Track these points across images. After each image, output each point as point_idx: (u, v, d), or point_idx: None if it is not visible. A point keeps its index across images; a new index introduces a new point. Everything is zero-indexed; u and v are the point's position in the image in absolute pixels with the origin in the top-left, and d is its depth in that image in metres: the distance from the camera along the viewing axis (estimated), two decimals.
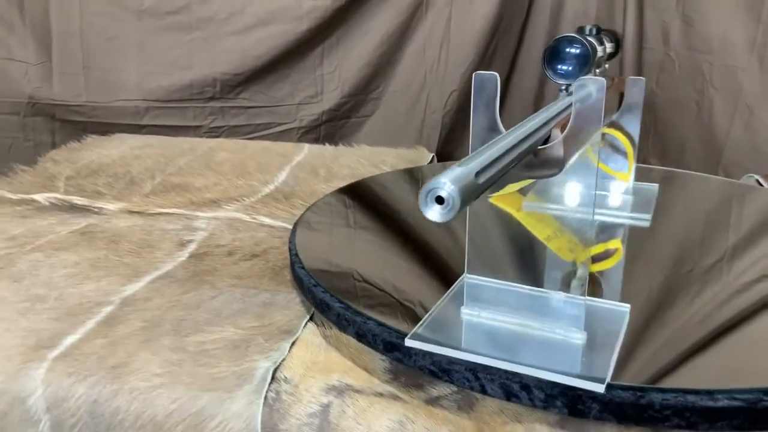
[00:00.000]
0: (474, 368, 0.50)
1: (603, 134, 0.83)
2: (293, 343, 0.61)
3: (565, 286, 0.54)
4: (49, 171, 1.10)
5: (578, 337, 0.52)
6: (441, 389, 0.54)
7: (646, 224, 0.80)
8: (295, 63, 1.45)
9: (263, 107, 1.45)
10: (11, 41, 1.30)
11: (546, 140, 0.52)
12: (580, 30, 0.73)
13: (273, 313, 0.66)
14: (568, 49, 0.63)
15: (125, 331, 0.62)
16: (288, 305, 0.67)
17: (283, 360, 0.58)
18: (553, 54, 0.64)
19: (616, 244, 0.76)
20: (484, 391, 0.50)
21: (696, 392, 0.46)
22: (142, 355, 0.58)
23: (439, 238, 0.77)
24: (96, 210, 0.93)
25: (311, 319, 0.65)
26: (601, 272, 0.68)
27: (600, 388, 0.47)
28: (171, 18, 1.36)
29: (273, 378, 0.56)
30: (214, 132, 1.41)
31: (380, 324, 0.57)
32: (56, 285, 0.71)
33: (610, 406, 0.47)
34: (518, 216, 0.86)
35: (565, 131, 0.52)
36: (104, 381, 0.56)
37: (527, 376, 0.49)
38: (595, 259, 0.71)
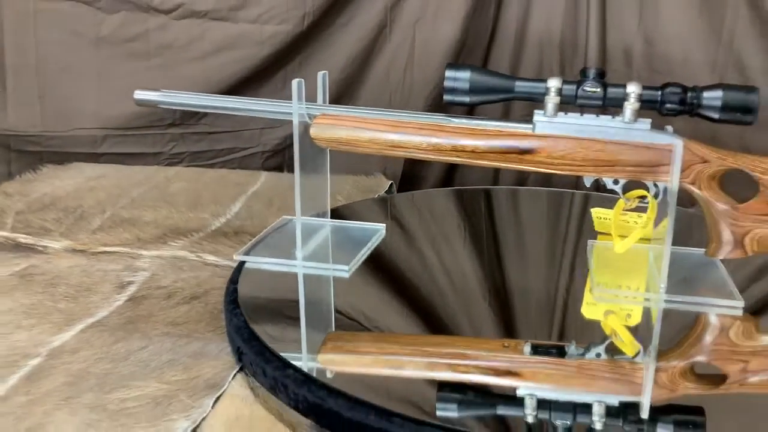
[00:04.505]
0: None
1: None
2: (218, 398, 0.60)
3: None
4: (0, 205, 1.08)
5: None
6: None
7: None
8: (258, 88, 1.43)
9: (225, 132, 1.43)
10: None
11: None
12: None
13: (202, 365, 0.65)
14: None
15: (47, 387, 0.61)
16: (219, 355, 0.66)
17: (204, 419, 0.57)
18: None
19: None
20: None
21: None
22: (59, 416, 0.57)
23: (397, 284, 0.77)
24: (41, 248, 0.92)
25: (242, 369, 0.64)
26: None
27: None
28: (129, 45, 1.34)
29: None
30: (176, 158, 1.39)
31: (299, 376, 0.56)
32: None
33: None
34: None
35: None
36: None
37: None
38: None
